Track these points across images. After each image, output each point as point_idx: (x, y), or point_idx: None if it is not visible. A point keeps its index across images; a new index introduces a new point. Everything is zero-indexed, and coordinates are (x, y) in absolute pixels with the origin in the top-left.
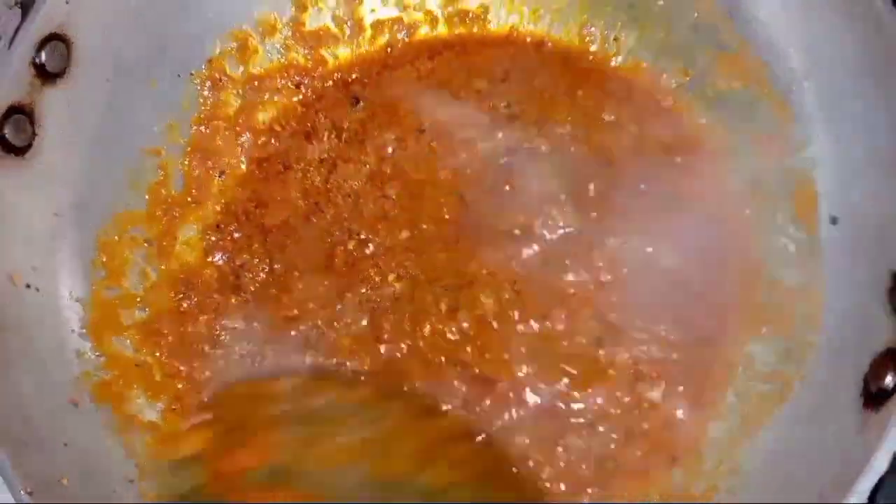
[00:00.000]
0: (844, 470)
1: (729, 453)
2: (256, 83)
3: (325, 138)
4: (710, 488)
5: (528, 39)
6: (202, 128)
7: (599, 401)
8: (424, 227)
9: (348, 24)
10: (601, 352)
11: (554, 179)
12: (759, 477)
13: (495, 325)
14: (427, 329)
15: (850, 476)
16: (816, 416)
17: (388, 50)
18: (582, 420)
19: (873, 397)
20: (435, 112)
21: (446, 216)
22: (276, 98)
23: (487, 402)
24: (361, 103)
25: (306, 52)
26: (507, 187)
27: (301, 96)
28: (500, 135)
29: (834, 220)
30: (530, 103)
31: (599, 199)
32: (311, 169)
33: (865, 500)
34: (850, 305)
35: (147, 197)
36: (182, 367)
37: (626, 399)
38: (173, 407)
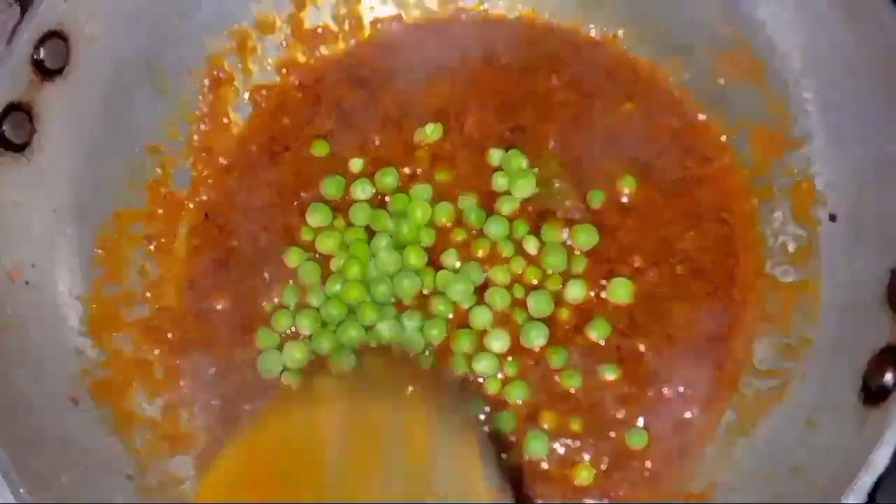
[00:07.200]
0: (844, 467)
1: (728, 451)
2: (257, 83)
3: (328, 121)
4: (710, 486)
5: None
6: (202, 125)
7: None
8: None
9: (347, 21)
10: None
11: (558, 178)
12: (758, 475)
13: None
14: None
15: (849, 474)
16: (815, 414)
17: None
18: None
19: (873, 395)
20: (443, 98)
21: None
22: (276, 92)
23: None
24: (365, 87)
25: (305, 49)
26: None
27: (299, 83)
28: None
29: (833, 218)
30: (539, 121)
31: (605, 200)
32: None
33: (865, 498)
34: (849, 303)
35: (147, 194)
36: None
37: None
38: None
